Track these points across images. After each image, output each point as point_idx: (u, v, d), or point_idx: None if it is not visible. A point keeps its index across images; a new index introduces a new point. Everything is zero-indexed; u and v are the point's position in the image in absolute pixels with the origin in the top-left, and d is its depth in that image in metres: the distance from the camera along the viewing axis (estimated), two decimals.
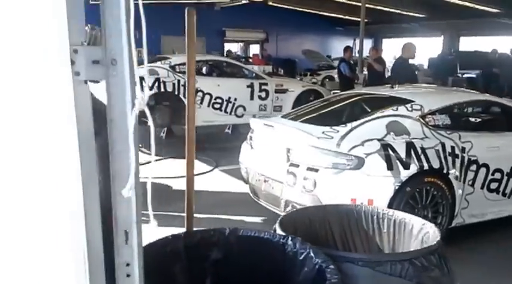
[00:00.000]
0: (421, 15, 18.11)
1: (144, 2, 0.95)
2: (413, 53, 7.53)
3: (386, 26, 21.68)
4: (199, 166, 6.73)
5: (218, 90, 7.86)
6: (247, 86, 8.17)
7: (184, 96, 7.52)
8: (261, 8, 18.46)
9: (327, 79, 17.00)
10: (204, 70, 8.13)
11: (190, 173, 1.84)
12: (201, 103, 7.78)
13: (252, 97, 8.18)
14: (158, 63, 7.67)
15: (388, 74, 10.80)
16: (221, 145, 7.86)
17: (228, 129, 8.62)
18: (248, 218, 4.72)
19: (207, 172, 6.54)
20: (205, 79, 7.91)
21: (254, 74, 8.42)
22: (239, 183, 5.97)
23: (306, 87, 8.92)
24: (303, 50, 19.60)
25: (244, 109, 8.12)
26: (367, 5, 16.05)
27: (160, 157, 7.15)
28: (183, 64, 7.78)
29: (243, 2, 17.46)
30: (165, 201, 5.21)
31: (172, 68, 7.70)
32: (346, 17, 20.10)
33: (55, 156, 0.94)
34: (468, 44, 20.43)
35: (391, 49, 26.06)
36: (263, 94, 8.25)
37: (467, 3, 14.62)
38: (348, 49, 11.13)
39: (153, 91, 7.09)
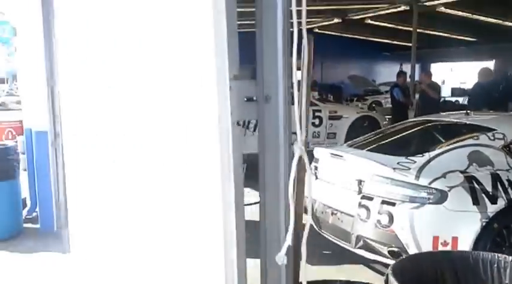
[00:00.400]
0: (470, 39, 17.59)
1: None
2: (489, 77, 7.32)
3: (434, 51, 21.18)
4: (250, 195, 6.57)
5: None
6: None
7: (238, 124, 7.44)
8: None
9: (374, 105, 16.66)
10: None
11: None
12: (254, 130, 7.64)
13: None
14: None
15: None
16: None
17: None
18: (312, 251, 4.48)
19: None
20: None
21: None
22: None
23: (360, 113, 8.68)
24: (349, 76, 19.41)
25: None
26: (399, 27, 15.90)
27: None
28: None
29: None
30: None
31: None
32: (394, 42, 19.83)
33: None
34: None
35: (439, 73, 25.56)
36: (316, 121, 8.05)
37: None
38: (401, 74, 10.82)
39: None
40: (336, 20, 15.24)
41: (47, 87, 4.82)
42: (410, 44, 20.13)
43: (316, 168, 4.25)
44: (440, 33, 16.97)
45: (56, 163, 4.97)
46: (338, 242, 3.93)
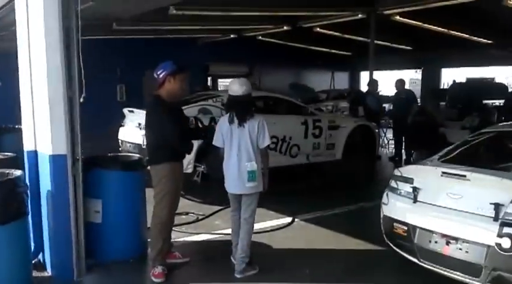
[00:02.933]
0: (406, 48, 18.19)
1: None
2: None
3: (365, 59, 21.69)
4: (272, 217, 5.88)
5: (274, 128, 7.05)
6: (302, 123, 7.45)
7: None
8: (242, 41, 17.93)
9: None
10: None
11: None
12: None
13: (306, 136, 7.46)
14: (210, 101, 6.82)
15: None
16: (284, 188, 7.05)
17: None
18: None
19: (287, 225, 5.68)
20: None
21: (309, 110, 7.72)
22: (340, 236, 5.20)
23: (358, 122, 8.30)
24: (290, 83, 19.20)
25: (299, 148, 7.38)
26: (346, 36, 16.10)
27: (221, 207, 6.23)
28: None
29: (232, 36, 16.85)
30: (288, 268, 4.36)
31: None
32: (333, 51, 20.00)
33: None
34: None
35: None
36: (317, 132, 7.56)
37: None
38: (373, 82, 10.71)
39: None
40: (285, 28, 14.86)
41: (63, 98, 3.81)
42: (346, 53, 20.71)
43: (415, 189, 3.71)
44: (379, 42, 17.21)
45: (74, 193, 3.96)
46: (455, 276, 3.42)
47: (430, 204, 3.60)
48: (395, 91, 10.44)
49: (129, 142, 6.98)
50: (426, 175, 3.70)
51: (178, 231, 5.21)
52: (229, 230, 4.69)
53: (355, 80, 25.38)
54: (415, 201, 3.70)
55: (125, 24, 11.02)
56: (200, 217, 5.91)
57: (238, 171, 3.98)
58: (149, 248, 4.34)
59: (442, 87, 20.70)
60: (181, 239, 5.05)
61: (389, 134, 11.35)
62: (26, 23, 4.12)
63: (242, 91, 3.99)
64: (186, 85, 4.25)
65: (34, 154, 4.12)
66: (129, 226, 4.51)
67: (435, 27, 13.91)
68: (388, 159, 10.26)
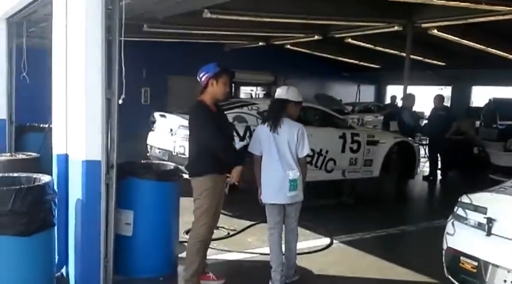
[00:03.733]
0: (439, 63, 17.67)
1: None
2: None
3: (393, 73, 21.20)
4: (308, 236, 5.47)
5: (309, 141, 6.64)
6: (340, 137, 7.03)
7: None
8: (269, 49, 17.62)
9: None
10: None
11: None
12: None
13: (343, 150, 7.03)
14: (245, 109, 6.46)
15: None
16: (316, 204, 6.65)
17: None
18: None
19: (326, 247, 5.25)
20: None
21: (348, 123, 7.31)
22: (385, 264, 4.78)
23: (398, 138, 7.85)
24: (316, 94, 18.78)
25: (335, 163, 6.95)
26: (378, 48, 15.71)
27: (253, 222, 5.85)
28: None
29: (260, 44, 16.56)
30: None
31: (261, 114, 6.50)
32: (361, 63, 19.57)
33: None
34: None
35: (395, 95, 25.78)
36: (355, 147, 7.12)
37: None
38: (410, 96, 10.24)
39: (245, 142, 5.84)
40: (316, 37, 14.50)
41: (101, 99, 3.48)
42: (375, 66, 20.24)
43: (489, 220, 3.27)
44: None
45: (107, 204, 3.62)
46: None
47: (508, 238, 3.16)
48: (433, 107, 9.99)
49: (159, 148, 6.64)
50: (504, 205, 3.27)
51: (209, 248, 4.82)
52: (263, 250, 4.41)
53: (381, 94, 24.89)
54: (488, 233, 3.26)
55: (156, 26, 10.76)
56: (231, 233, 5.53)
57: (280, 180, 3.84)
58: (183, 266, 3.97)
59: (471, 105, 20.08)
60: (213, 257, 4.64)
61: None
62: (64, 19, 3.80)
63: (281, 94, 4.00)
64: (229, 88, 3.91)
65: (64, 158, 3.78)
66: (161, 240, 4.15)
67: (472, 43, 13.36)
68: (422, 178, 9.78)
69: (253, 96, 21.66)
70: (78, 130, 3.58)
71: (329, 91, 21.47)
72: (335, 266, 4.71)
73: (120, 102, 3.57)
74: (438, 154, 9.90)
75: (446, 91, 21.27)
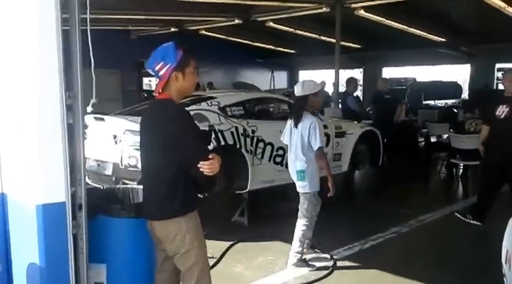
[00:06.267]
0: (355, 46, 17.58)
1: None
2: None
3: (306, 58, 20.93)
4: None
5: (279, 137, 5.73)
6: None
7: (246, 150, 5.29)
8: (180, 36, 16.32)
9: None
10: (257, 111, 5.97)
11: None
12: (262, 157, 5.58)
13: None
14: (203, 105, 5.32)
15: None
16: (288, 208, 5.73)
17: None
18: None
19: (327, 275, 4.29)
20: (265, 124, 5.73)
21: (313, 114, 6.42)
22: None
23: (364, 128, 7.16)
24: (234, 82, 17.86)
25: None
26: (298, 32, 15.16)
27: (230, 243, 4.84)
28: (236, 105, 5.56)
29: (172, 30, 15.20)
30: None
31: (223, 110, 5.41)
32: (277, 49, 18.94)
33: None
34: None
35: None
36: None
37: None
38: (352, 81, 9.69)
39: (211, 146, 4.74)
40: (236, 21, 13.54)
41: (60, 107, 2.25)
42: (289, 50, 19.74)
43: None
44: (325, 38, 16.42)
45: (75, 264, 2.40)
46: None
47: None
48: (377, 90, 9.53)
49: (96, 160, 5.26)
50: None
51: None
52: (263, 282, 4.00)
53: (293, 80, 24.57)
54: None
55: None
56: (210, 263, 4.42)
57: (292, 169, 4.27)
58: None
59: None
60: None
61: None
62: None
63: (298, 91, 4.20)
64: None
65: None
66: None
67: (396, 24, 13.25)
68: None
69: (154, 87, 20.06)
70: (24, 155, 2.28)
71: (244, 78, 20.63)
72: None
73: (90, 109, 2.33)
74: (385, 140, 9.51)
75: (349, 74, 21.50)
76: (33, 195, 2.21)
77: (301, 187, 4.19)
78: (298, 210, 4.28)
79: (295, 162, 4.18)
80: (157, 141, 2.52)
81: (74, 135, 2.33)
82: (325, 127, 6.36)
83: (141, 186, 3.30)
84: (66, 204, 2.28)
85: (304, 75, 24.09)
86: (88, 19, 2.47)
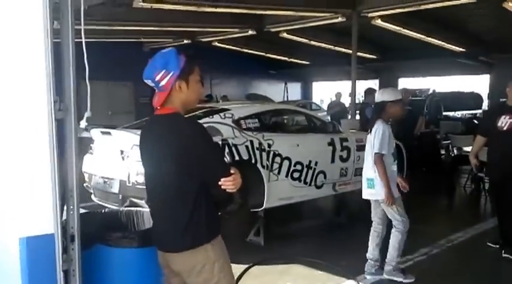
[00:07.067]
0: (371, 57, 17.18)
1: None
2: None
3: (319, 69, 20.61)
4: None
5: (297, 152, 5.38)
6: (329, 144, 5.79)
7: (262, 165, 4.93)
8: (193, 48, 16.14)
9: None
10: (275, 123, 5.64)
11: None
12: (279, 173, 5.21)
13: (333, 160, 5.80)
14: (216, 118, 4.98)
15: None
16: (320, 237, 5.45)
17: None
18: None
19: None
20: (282, 137, 5.38)
21: (336, 127, 6.06)
22: None
23: None
24: (248, 94, 17.57)
25: (325, 176, 5.70)
26: (313, 43, 14.84)
27: (246, 266, 4.43)
28: (251, 117, 5.22)
29: (185, 41, 15.02)
30: None
31: (237, 123, 5.07)
32: (290, 60, 18.61)
33: None
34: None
35: (321, 92, 25.38)
36: (344, 154, 5.92)
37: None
38: (371, 91, 9.30)
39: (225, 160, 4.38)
40: (250, 32, 13.28)
41: (48, 122, 1.91)
42: (303, 62, 19.43)
43: None
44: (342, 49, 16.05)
45: None
46: None
47: None
48: None
49: (103, 177, 4.95)
50: None
51: None
52: None
53: (307, 91, 24.28)
54: None
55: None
56: None
57: (363, 176, 4.22)
58: None
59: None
60: None
61: None
62: None
63: (378, 98, 4.20)
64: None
65: None
66: None
67: (413, 33, 12.87)
68: None
69: None
70: (5, 179, 1.95)
71: (256, 90, 20.39)
72: None
73: (84, 125, 2.00)
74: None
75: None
76: (15, 227, 1.87)
77: (371, 194, 4.12)
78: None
79: (367, 170, 4.13)
80: (174, 162, 2.15)
81: (65, 153, 1.99)
82: (346, 140, 6.01)
83: (147, 209, 2.95)
84: (56, 235, 1.94)
85: (317, 86, 23.75)
86: (82, 24, 2.14)
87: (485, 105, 17.06)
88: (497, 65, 16.43)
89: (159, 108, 2.24)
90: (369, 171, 4.08)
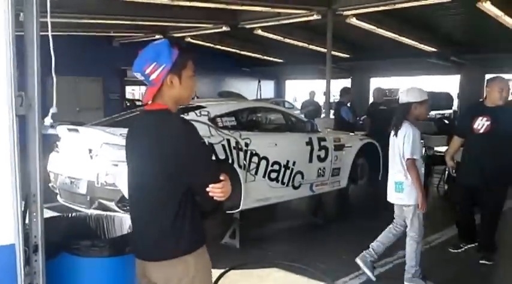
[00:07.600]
0: (344, 55, 17.19)
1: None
2: None
3: (293, 67, 20.54)
4: None
5: (275, 151, 5.23)
6: (307, 143, 5.66)
7: (239, 165, 4.76)
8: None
9: None
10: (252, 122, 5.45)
11: None
12: (256, 173, 5.05)
13: (311, 159, 5.67)
14: (192, 115, 4.77)
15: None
16: (297, 238, 5.32)
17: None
18: None
19: None
20: (260, 136, 5.22)
21: (315, 126, 5.91)
22: None
23: (364, 140, 6.68)
24: (221, 92, 17.33)
25: (303, 176, 5.57)
26: (287, 40, 14.75)
27: (222, 271, 4.29)
28: (228, 115, 5.03)
29: (157, 37, 14.65)
30: None
31: (213, 121, 4.87)
32: (264, 57, 18.46)
33: None
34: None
35: (294, 90, 25.35)
36: (322, 154, 5.81)
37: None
38: (348, 90, 9.27)
39: None
40: (224, 28, 13.06)
41: (9, 118, 1.69)
42: (277, 60, 19.31)
43: None
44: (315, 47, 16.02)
45: None
46: None
47: None
48: (373, 101, 9.12)
49: (69, 177, 4.67)
50: None
51: None
52: None
53: (280, 89, 24.19)
54: None
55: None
56: None
57: (390, 180, 4.09)
58: None
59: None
60: None
61: None
62: None
63: (402, 99, 3.98)
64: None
65: None
66: None
67: (388, 33, 12.90)
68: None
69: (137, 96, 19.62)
70: None
71: (229, 87, 20.14)
72: None
73: (49, 121, 1.78)
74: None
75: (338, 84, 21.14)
76: None
77: (399, 199, 4.02)
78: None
79: (395, 173, 3.99)
80: (159, 162, 1.96)
81: (28, 153, 1.77)
82: (324, 139, 5.89)
83: (119, 213, 2.74)
84: (17, 246, 1.72)
85: (290, 84, 23.69)
86: (49, 17, 1.93)
87: (455, 105, 17.33)
88: (468, 66, 16.67)
89: (148, 104, 2.05)
90: (398, 174, 3.95)
